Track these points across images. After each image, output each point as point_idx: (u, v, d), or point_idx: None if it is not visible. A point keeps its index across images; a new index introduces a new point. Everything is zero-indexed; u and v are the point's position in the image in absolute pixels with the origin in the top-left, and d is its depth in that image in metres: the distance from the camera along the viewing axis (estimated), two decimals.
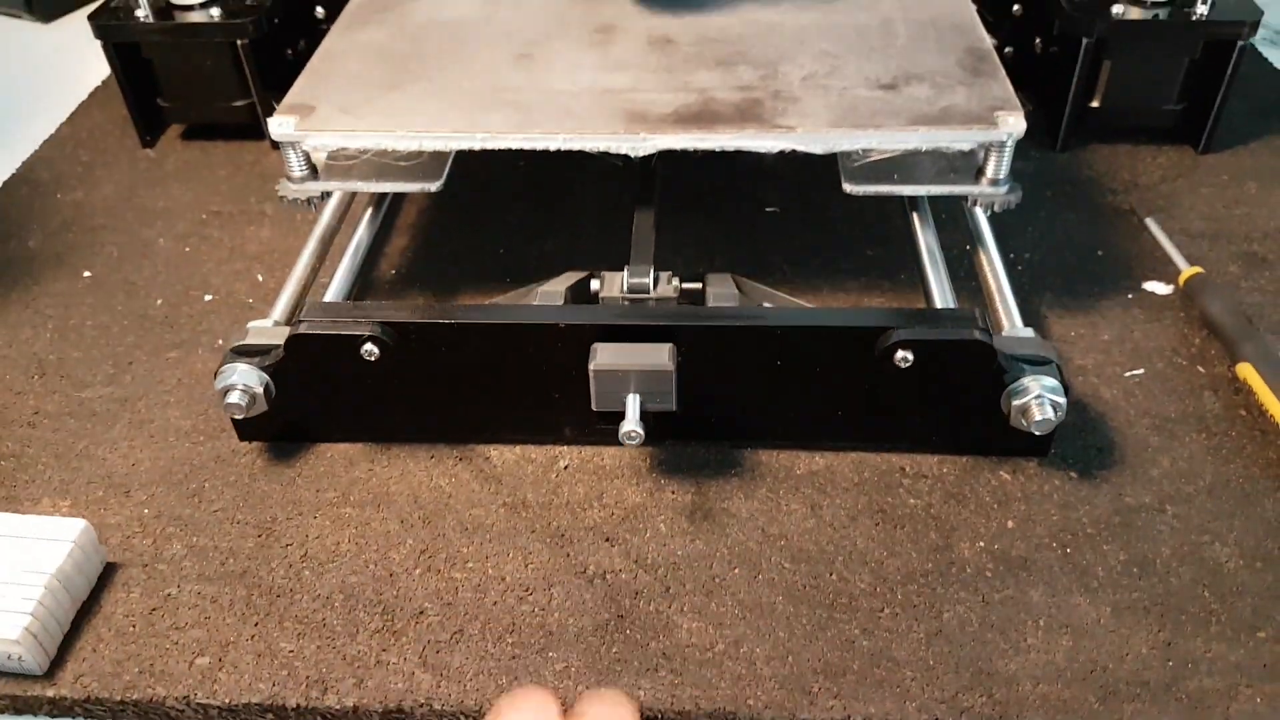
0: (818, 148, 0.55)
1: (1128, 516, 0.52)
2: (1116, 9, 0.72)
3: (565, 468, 0.56)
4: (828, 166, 0.57)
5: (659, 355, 0.50)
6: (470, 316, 0.52)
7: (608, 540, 0.52)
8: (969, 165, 0.57)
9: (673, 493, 0.54)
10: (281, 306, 0.58)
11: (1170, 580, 0.49)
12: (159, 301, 0.67)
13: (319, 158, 0.59)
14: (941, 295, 0.57)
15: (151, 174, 0.79)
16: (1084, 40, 0.72)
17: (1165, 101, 0.76)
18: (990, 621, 0.48)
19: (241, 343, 0.55)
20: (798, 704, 0.45)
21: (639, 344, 0.51)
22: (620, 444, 0.51)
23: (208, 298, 0.68)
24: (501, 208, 0.74)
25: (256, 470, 0.56)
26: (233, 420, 0.57)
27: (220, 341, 0.64)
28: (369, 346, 0.52)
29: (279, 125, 0.56)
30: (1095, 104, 0.76)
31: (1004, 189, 0.57)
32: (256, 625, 0.49)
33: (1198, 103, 0.75)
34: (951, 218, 0.68)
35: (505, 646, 0.48)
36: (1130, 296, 0.65)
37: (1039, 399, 0.51)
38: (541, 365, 0.53)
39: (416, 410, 0.56)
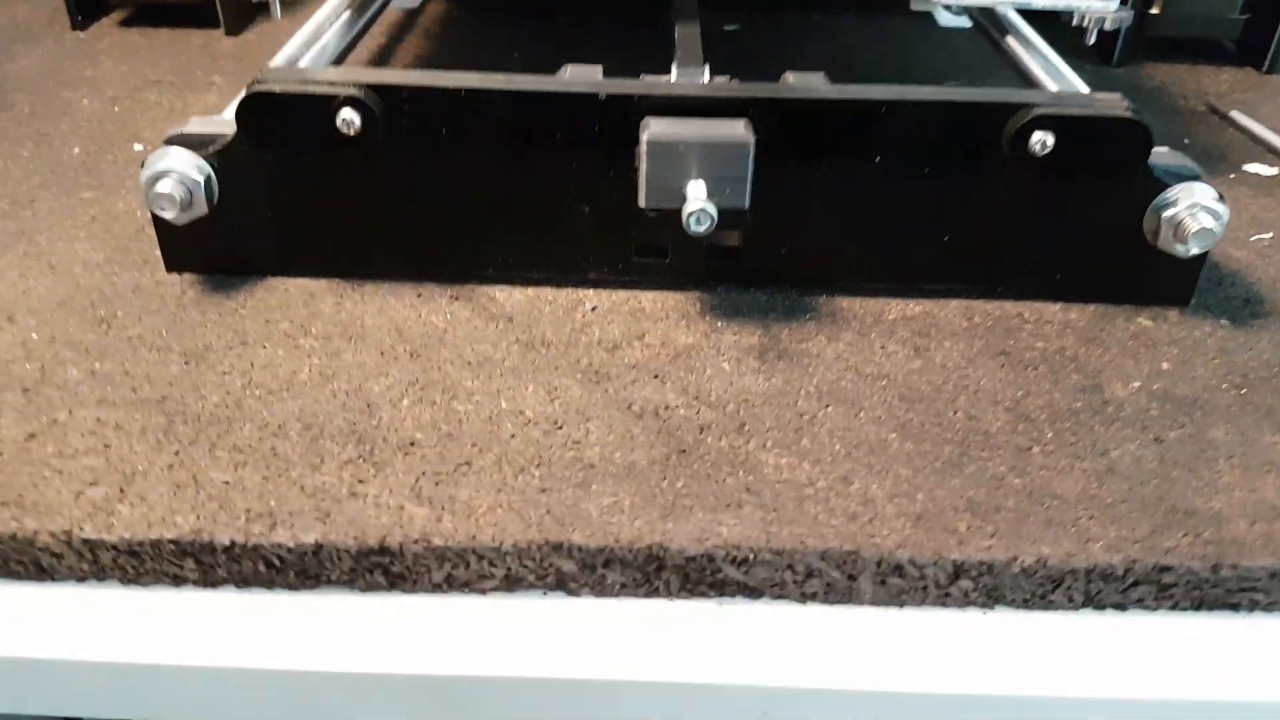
0: None
1: None
2: None
3: (593, 309, 0.44)
4: None
5: (734, 126, 0.39)
6: (485, 82, 0.40)
7: (656, 377, 0.40)
8: None
9: (734, 334, 0.42)
10: (234, 107, 0.46)
11: None
12: (75, 150, 0.55)
13: None
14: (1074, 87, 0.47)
15: (80, 50, 0.67)
16: None
17: (1229, 9, 0.69)
18: (1172, 459, 0.36)
19: (181, 131, 0.43)
20: (942, 543, 0.33)
21: (705, 119, 0.40)
22: (662, 284, 0.39)
23: (138, 147, 0.55)
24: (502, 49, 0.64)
25: (187, 301, 0.43)
26: (161, 236, 0.44)
27: None
28: (347, 113, 0.40)
29: None
30: (1155, 10, 0.69)
31: (1114, 4, 0.48)
32: (177, 454, 0.35)
33: (1262, 14, 0.69)
34: None
35: (530, 479, 0.35)
36: (1232, 177, 0.56)
37: (1193, 209, 0.41)
38: (572, 159, 0.41)
39: (400, 228, 0.43)
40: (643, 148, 0.39)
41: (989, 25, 0.56)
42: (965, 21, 0.57)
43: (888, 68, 0.69)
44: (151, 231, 0.47)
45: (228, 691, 0.32)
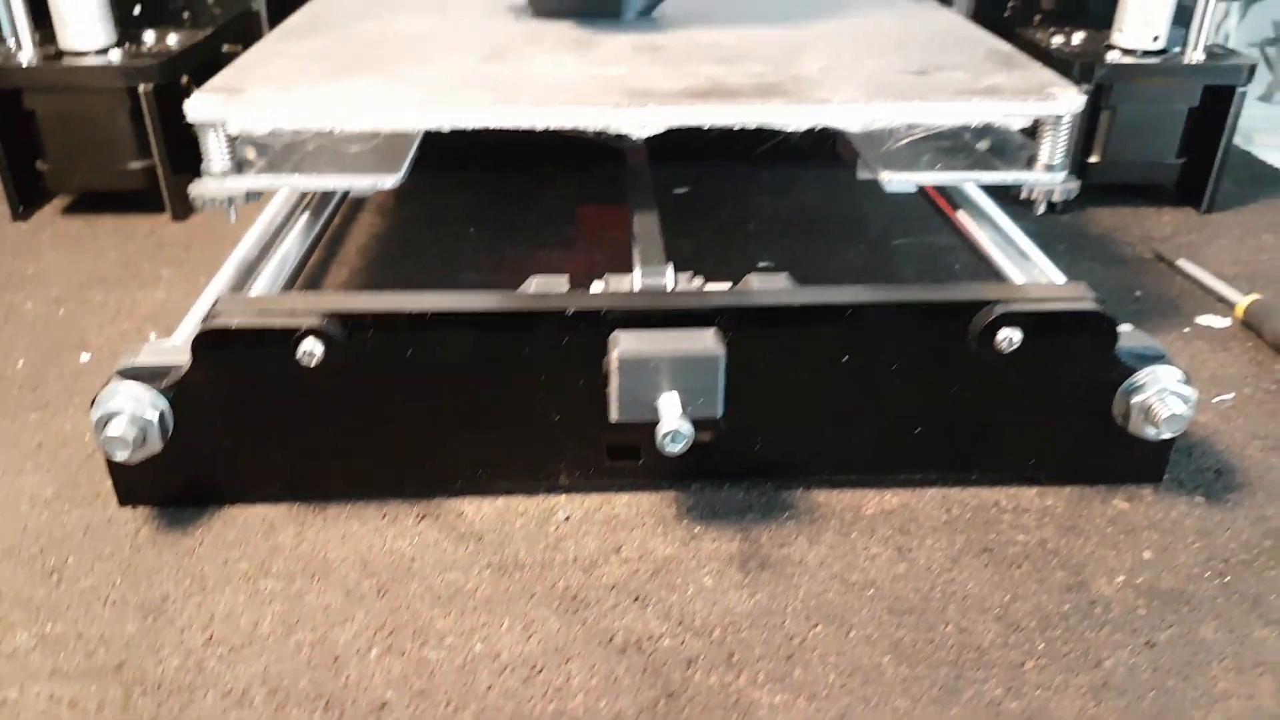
0: (855, 124, 0.46)
1: None
2: (1111, 56, 0.68)
3: (566, 519, 0.43)
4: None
5: (702, 338, 0.39)
6: (448, 304, 0.40)
7: (637, 600, 0.39)
8: (1009, 157, 0.50)
9: (713, 540, 0.41)
10: (187, 329, 0.45)
11: None
12: (20, 363, 0.53)
13: (246, 153, 0.47)
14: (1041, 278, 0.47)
15: (21, 244, 0.66)
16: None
17: (1166, 155, 0.71)
18: (1164, 666, 0.36)
19: (133, 363, 0.41)
20: None
21: (674, 330, 0.39)
22: (636, 485, 0.38)
23: (85, 357, 0.53)
24: (454, 257, 0.63)
25: (141, 541, 0.41)
26: (113, 470, 0.42)
27: None
28: (309, 344, 0.39)
29: (199, 105, 0.45)
30: (1095, 159, 0.71)
31: (1061, 175, 0.49)
32: None
33: (1197, 158, 0.71)
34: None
35: None
36: (1186, 331, 0.57)
37: (1162, 394, 0.41)
38: (540, 372, 0.41)
39: (366, 448, 0.42)
40: (613, 364, 0.38)
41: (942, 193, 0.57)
42: (911, 186, 0.58)
43: (837, 223, 0.70)
44: (101, 458, 0.45)
45: None
